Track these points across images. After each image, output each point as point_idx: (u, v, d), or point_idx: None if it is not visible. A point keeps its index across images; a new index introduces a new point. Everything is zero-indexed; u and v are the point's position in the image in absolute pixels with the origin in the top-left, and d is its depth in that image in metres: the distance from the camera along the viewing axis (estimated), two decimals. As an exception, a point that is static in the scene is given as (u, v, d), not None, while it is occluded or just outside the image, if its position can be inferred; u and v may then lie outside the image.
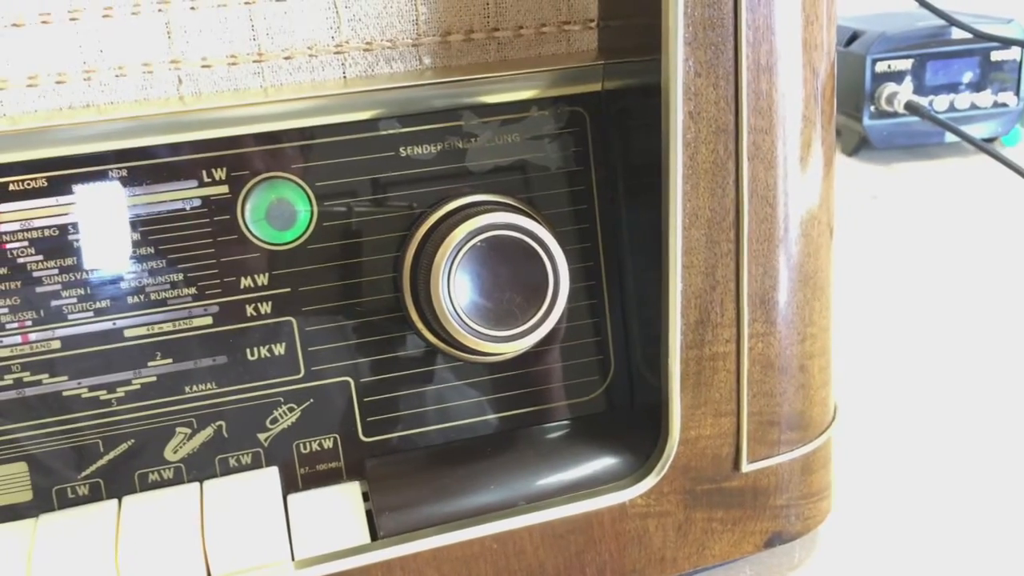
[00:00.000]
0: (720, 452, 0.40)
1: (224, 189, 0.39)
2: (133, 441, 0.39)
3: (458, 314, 0.37)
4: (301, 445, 0.40)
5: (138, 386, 0.39)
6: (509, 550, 0.38)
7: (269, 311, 0.40)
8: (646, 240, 0.41)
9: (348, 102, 0.39)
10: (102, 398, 0.39)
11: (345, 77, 0.40)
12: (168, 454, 0.39)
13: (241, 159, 0.39)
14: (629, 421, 0.42)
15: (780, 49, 0.36)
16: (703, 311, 0.38)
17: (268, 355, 0.40)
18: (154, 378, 0.39)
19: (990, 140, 0.98)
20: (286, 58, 0.39)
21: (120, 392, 0.39)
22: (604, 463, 0.40)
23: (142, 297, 0.39)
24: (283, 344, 0.40)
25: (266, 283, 0.40)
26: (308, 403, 0.40)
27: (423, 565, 0.38)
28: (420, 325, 0.40)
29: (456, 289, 0.37)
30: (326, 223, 0.40)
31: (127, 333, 0.39)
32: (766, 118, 0.36)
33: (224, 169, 0.39)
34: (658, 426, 0.40)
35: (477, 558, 0.38)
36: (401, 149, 0.40)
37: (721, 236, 0.37)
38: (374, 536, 0.38)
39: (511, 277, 0.38)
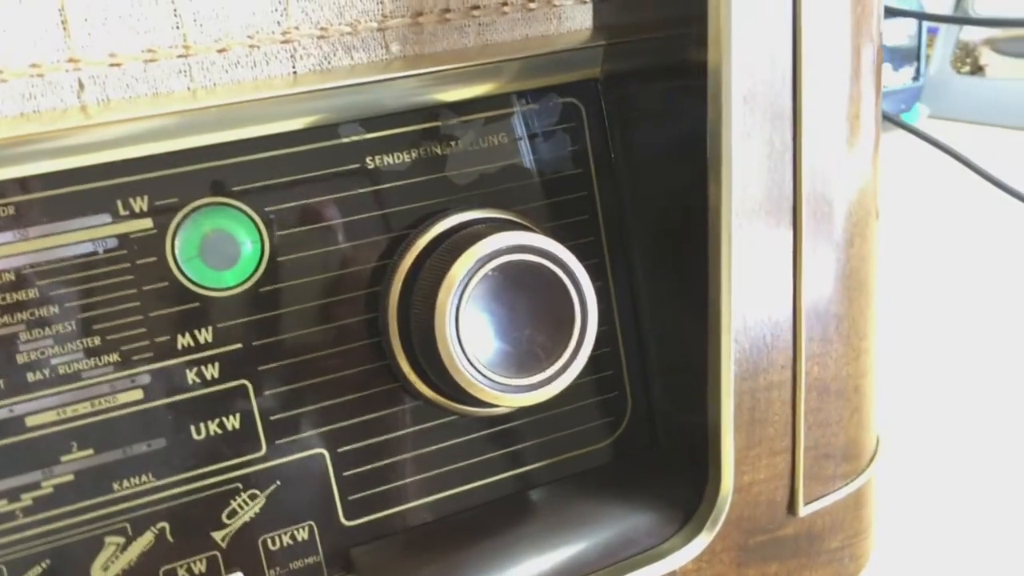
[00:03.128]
0: (774, 497, 0.34)
1: (147, 223, 0.30)
2: (48, 562, 0.30)
3: (470, 362, 0.30)
4: (269, 541, 0.32)
5: (49, 489, 0.30)
6: (548, 646, 0.31)
7: (216, 375, 0.31)
8: (665, 254, 0.35)
9: (300, 105, 0.31)
10: (1, 510, 0.29)
11: (295, 72, 0.32)
12: (97, 573, 0.30)
13: (167, 183, 0.30)
14: (658, 467, 0.36)
15: (835, 17, 0.30)
16: (758, 336, 0.32)
17: (219, 431, 0.31)
18: (70, 477, 0.30)
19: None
20: (220, 51, 0.30)
21: (26, 500, 0.29)
22: (640, 522, 0.34)
23: (47, 372, 0.29)
24: (237, 415, 0.31)
25: (210, 339, 0.31)
26: (273, 487, 0.32)
27: None
28: (412, 376, 0.32)
29: (466, 332, 0.30)
30: (281, 257, 0.31)
31: (29, 422, 0.29)
32: (823, 102, 0.31)
33: (145, 198, 0.30)
34: (696, 471, 0.34)
35: (510, 661, 0.31)
36: (368, 159, 0.32)
37: (777, 242, 0.31)
38: (379, 648, 0.30)
39: (531, 311, 0.30)
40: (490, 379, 0.30)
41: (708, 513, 0.33)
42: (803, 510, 0.34)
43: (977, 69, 1.14)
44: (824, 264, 0.32)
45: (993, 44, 1.22)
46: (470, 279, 0.30)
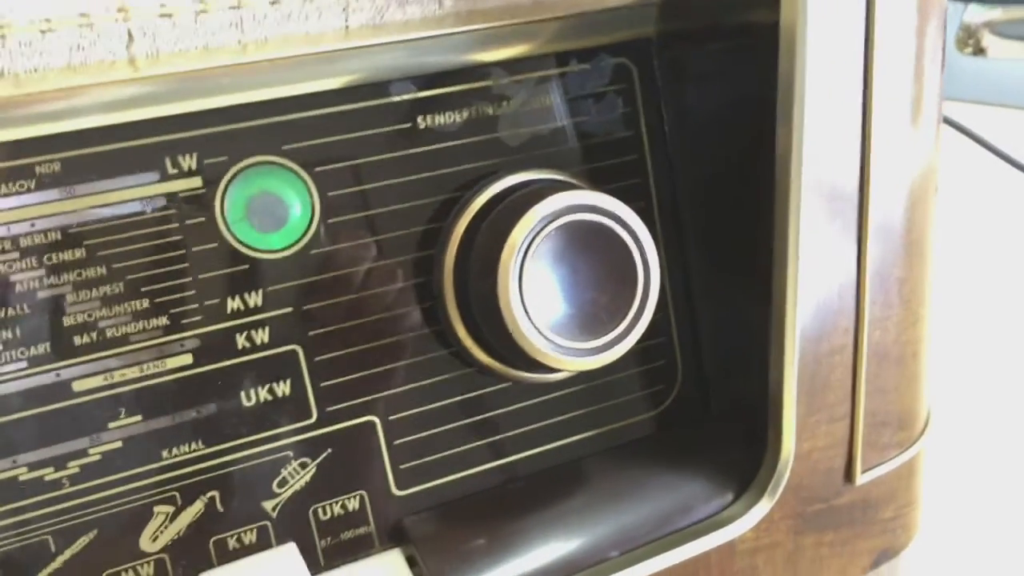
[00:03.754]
0: (832, 464, 0.33)
1: (196, 182, 0.29)
2: (96, 532, 0.29)
3: (534, 325, 0.29)
4: (320, 510, 0.31)
5: (97, 457, 0.29)
6: (608, 616, 0.31)
7: (267, 340, 0.30)
8: (720, 220, 0.34)
9: (351, 61, 0.30)
10: (48, 478, 0.28)
11: (347, 27, 0.31)
12: (146, 543, 0.29)
13: (216, 141, 0.29)
14: (711, 436, 0.35)
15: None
16: (823, 292, 0.31)
17: (269, 398, 0.30)
18: (118, 444, 0.29)
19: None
20: (272, 3, 0.29)
21: (73, 468, 0.28)
22: (695, 491, 0.33)
23: (94, 335, 0.28)
24: (287, 381, 0.30)
25: (260, 303, 0.30)
26: (324, 455, 0.31)
27: (508, 651, 0.29)
28: (468, 342, 0.31)
29: (529, 294, 0.29)
30: (331, 219, 0.30)
31: (76, 387, 0.28)
32: (892, 62, 0.30)
33: (194, 155, 0.29)
34: (752, 440, 0.33)
35: (572, 631, 0.30)
36: (419, 119, 0.31)
37: (843, 205, 0.31)
38: (437, 618, 0.29)
39: (594, 273, 0.30)
40: (554, 342, 0.29)
41: (768, 480, 0.32)
42: (860, 478, 0.34)
43: (979, 51, 1.14)
44: (889, 226, 0.32)
45: (992, 26, 1.22)
46: (533, 239, 0.29)
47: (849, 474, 0.34)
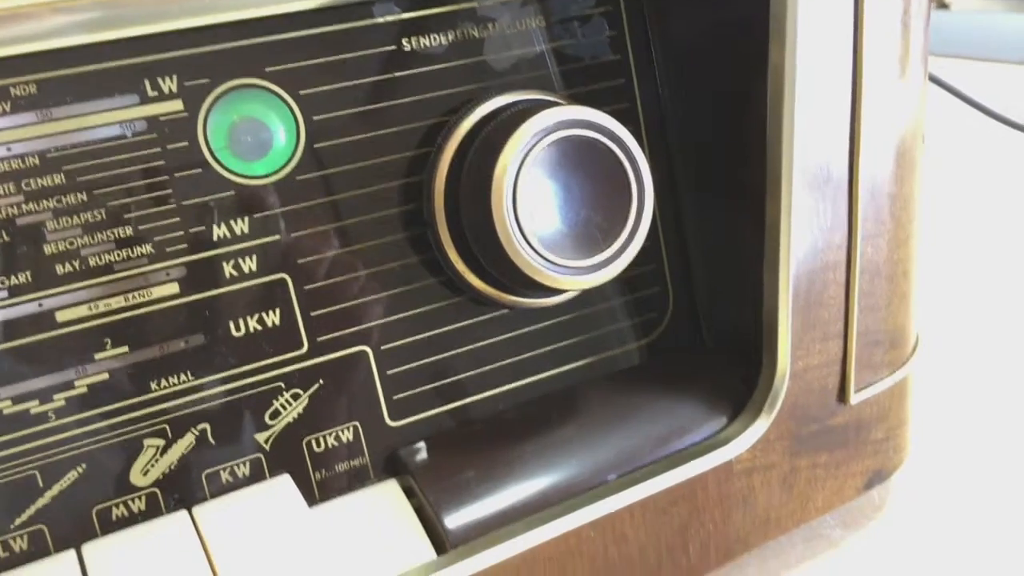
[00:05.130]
0: (826, 384, 0.33)
1: (177, 105, 0.28)
2: (84, 467, 0.28)
3: (529, 243, 0.28)
4: (313, 442, 0.30)
5: (83, 389, 0.28)
6: (608, 538, 0.30)
7: (254, 268, 0.29)
8: (710, 142, 0.34)
9: (334, -21, 0.29)
10: (33, 411, 0.27)
11: (329, -55, 0.30)
12: (136, 478, 0.28)
13: (197, 62, 0.28)
14: (704, 361, 0.35)
15: None
16: (816, 209, 0.31)
17: (259, 328, 0.30)
18: (105, 376, 0.28)
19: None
20: (251, -84, 0.28)
21: (58, 401, 0.27)
22: (691, 414, 0.33)
23: (77, 264, 0.27)
24: (277, 311, 0.30)
25: (246, 231, 0.29)
26: (316, 386, 0.30)
27: (511, 574, 0.29)
28: (461, 266, 0.31)
29: (523, 212, 0.28)
30: (317, 144, 0.30)
31: (60, 317, 0.27)
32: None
33: (174, 77, 0.28)
34: (745, 363, 0.33)
35: (573, 553, 0.30)
36: (404, 41, 0.31)
37: (836, 122, 0.30)
38: (439, 547, 0.29)
39: (588, 191, 0.29)
40: (549, 261, 0.29)
41: (764, 400, 0.32)
42: (853, 398, 0.34)
43: (942, 5, 1.15)
44: (881, 139, 0.31)
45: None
46: (526, 155, 0.28)
47: (843, 394, 0.34)
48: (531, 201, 0.28)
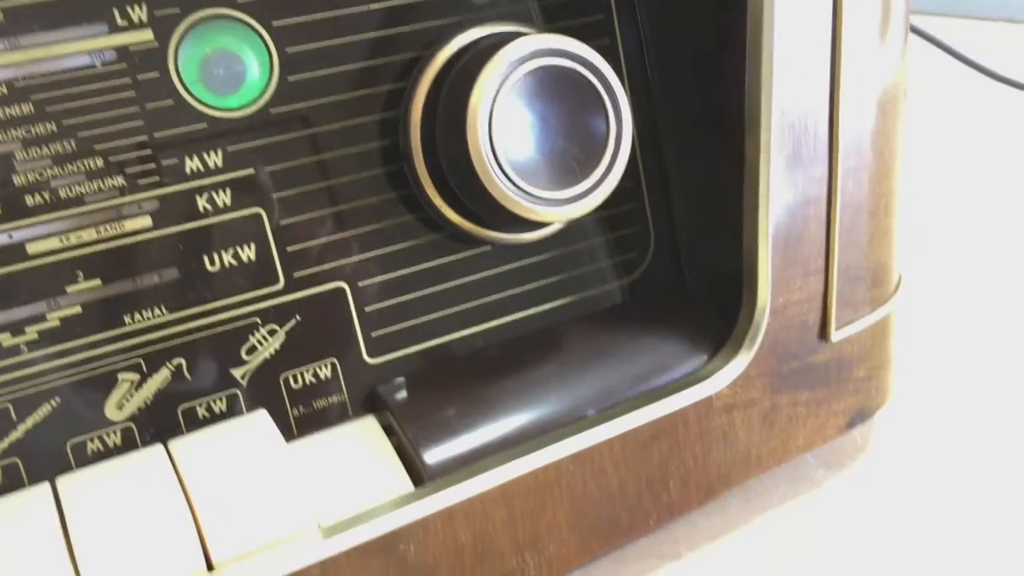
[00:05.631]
0: (807, 320, 0.33)
1: (147, 35, 0.28)
2: (59, 400, 0.28)
3: (505, 173, 0.28)
4: (290, 378, 0.30)
5: (56, 322, 0.27)
6: (588, 471, 0.30)
7: (229, 202, 0.29)
8: (690, 77, 0.34)
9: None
10: (5, 344, 0.27)
11: None
12: (111, 412, 0.28)
13: (167, -9, 0.28)
14: (686, 300, 0.35)
15: None
16: (796, 142, 0.31)
17: (234, 263, 0.29)
18: (77, 309, 0.28)
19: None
20: None
21: (31, 334, 0.27)
22: (671, 351, 0.33)
23: (47, 196, 0.27)
24: (252, 246, 0.29)
25: (220, 164, 0.29)
26: (293, 322, 0.30)
27: (489, 506, 0.29)
28: (438, 201, 0.30)
29: (499, 142, 0.28)
30: (291, 77, 0.29)
31: (31, 249, 0.27)
32: None
33: (144, 6, 0.28)
34: (726, 299, 0.33)
35: (552, 487, 0.30)
36: (379, -27, 0.30)
37: (817, 54, 0.30)
38: (417, 482, 0.29)
39: (565, 121, 0.29)
40: (525, 192, 0.28)
41: (744, 336, 0.32)
42: (834, 335, 0.34)
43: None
44: (861, 72, 0.31)
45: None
46: (502, 84, 0.28)
47: (824, 331, 0.34)
48: (508, 131, 0.28)
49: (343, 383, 0.31)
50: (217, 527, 0.26)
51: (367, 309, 0.31)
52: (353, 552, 0.27)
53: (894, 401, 0.40)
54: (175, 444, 0.28)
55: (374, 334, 0.31)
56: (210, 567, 0.26)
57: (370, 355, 0.31)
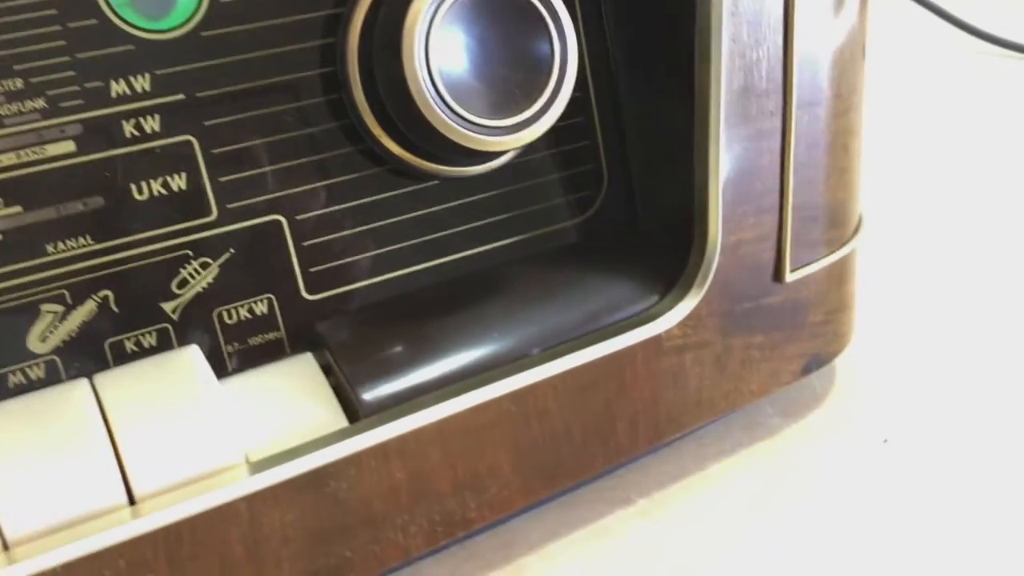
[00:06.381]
0: (761, 260, 0.32)
1: (69, -49, 0.27)
2: (-23, 331, 0.27)
3: (442, 99, 0.27)
4: (225, 313, 0.29)
5: (-26, 250, 0.26)
6: (530, 411, 0.29)
7: (157, 128, 0.28)
8: (644, 6, 0.32)
9: None
10: (-80, 272, 0.26)
11: None
12: (34, 344, 0.27)
13: (90, -95, 0.27)
14: (639, 241, 0.34)
15: None
16: (748, 73, 0.30)
17: (163, 192, 0.28)
18: (-2, 236, 0.27)
19: None
20: None
21: (-53, 261, 0.26)
22: (622, 291, 0.32)
23: (-37, 117, 0.26)
24: (183, 175, 0.28)
25: (148, 88, 0.28)
26: (228, 255, 0.29)
27: (426, 445, 0.28)
28: (377, 130, 0.29)
29: (437, 67, 0.27)
30: (224, -1, 0.28)
31: (-54, 173, 0.26)
32: None
33: (66, -79, 0.26)
34: (680, 240, 0.32)
35: (492, 427, 0.29)
36: None
37: (769, -26, 0.29)
38: (353, 420, 0.28)
39: (506, 47, 0.28)
40: (464, 118, 0.27)
41: (695, 275, 0.31)
42: (789, 276, 0.33)
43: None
44: (817, 5, 0.30)
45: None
46: (438, 8, 0.27)
47: (778, 272, 0.33)
48: (445, 54, 0.27)
49: (280, 320, 0.30)
50: (139, 461, 0.25)
51: (305, 244, 0.30)
52: (281, 488, 0.26)
53: (857, 348, 0.40)
54: (100, 378, 0.27)
55: (313, 270, 0.30)
56: (132, 501, 0.25)
57: (309, 291, 0.30)
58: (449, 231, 0.32)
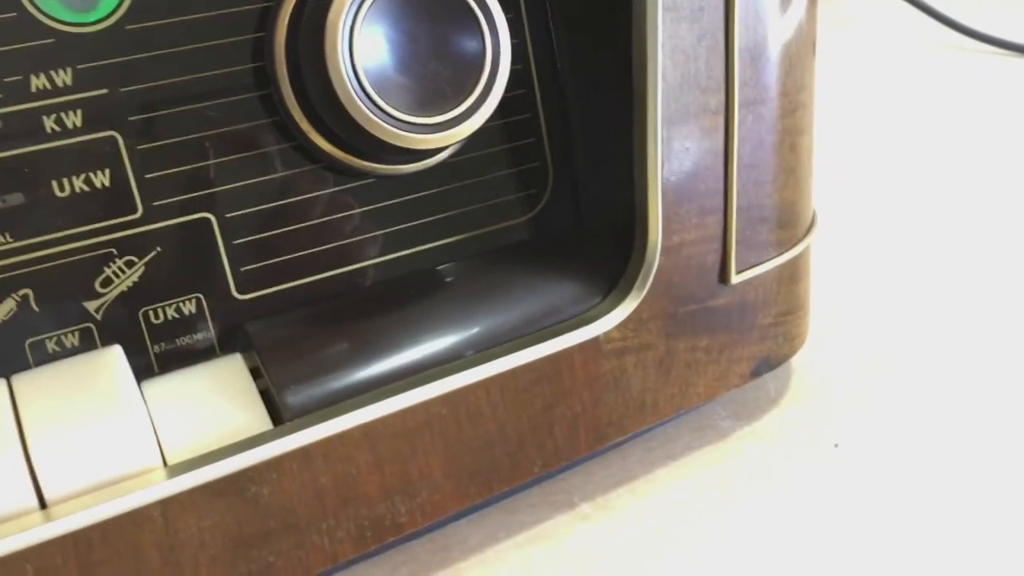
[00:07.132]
0: (705, 261, 0.32)
1: (-14, -58, 0.26)
2: None
3: (368, 96, 0.26)
4: (151, 313, 0.29)
5: None
6: (462, 415, 0.29)
7: (79, 124, 0.27)
8: (586, 10, 0.32)
9: None
10: None
11: None
12: (-50, 344, 0.27)
13: None
14: (582, 242, 0.33)
15: None
16: (687, 69, 0.29)
17: (86, 189, 0.28)
18: (-88, 234, 0.26)
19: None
20: None
21: None
22: (563, 293, 0.31)
23: None
24: (107, 172, 0.28)
25: (70, 82, 0.27)
26: (153, 253, 0.29)
27: (352, 448, 0.27)
28: (306, 126, 0.29)
29: (361, 63, 0.26)
30: (150, -9, 0.28)
31: None
32: None
33: (-18, -89, 0.26)
34: (624, 242, 0.32)
35: (422, 430, 0.28)
36: None
37: (708, -33, 0.28)
38: (277, 421, 0.27)
39: (435, 43, 0.27)
40: (390, 115, 0.27)
41: (635, 276, 0.31)
42: (734, 278, 0.32)
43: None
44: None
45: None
46: (362, 4, 0.26)
47: (723, 274, 0.32)
48: (370, 50, 0.26)
49: (209, 320, 0.29)
50: (51, 465, 0.25)
51: (235, 242, 0.29)
52: (198, 492, 0.25)
53: (813, 350, 0.39)
54: (17, 379, 0.27)
55: (243, 269, 0.30)
56: (43, 505, 0.25)
57: (239, 291, 0.30)
58: (387, 229, 0.31)
